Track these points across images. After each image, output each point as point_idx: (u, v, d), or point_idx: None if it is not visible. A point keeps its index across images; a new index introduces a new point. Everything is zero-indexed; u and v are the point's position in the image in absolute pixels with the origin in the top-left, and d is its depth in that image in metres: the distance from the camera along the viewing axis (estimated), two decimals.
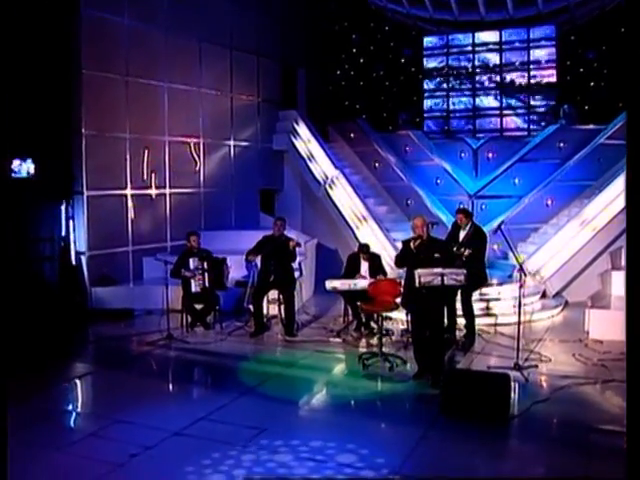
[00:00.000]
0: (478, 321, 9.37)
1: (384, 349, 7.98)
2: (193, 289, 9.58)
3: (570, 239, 11.27)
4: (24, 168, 9.57)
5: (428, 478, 5.02)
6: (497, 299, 10.26)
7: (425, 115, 15.63)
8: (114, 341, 9.21)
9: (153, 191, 12.07)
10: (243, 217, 14.13)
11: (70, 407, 6.87)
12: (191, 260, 9.65)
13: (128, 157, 11.54)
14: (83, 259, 10.93)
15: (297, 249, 9.63)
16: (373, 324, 9.26)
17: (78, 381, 7.61)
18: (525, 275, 7.89)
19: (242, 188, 14.10)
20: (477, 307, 9.77)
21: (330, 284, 9.16)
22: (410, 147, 14.36)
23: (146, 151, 11.82)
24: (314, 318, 10.42)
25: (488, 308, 10.14)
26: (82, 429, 6.18)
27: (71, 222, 10.60)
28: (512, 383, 6.18)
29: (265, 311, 9.89)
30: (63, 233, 10.52)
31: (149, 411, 6.33)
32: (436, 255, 6.95)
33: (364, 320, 9.38)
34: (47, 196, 10.13)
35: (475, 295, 9.56)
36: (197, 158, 13.04)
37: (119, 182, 11.44)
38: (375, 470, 5.07)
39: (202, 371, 8.21)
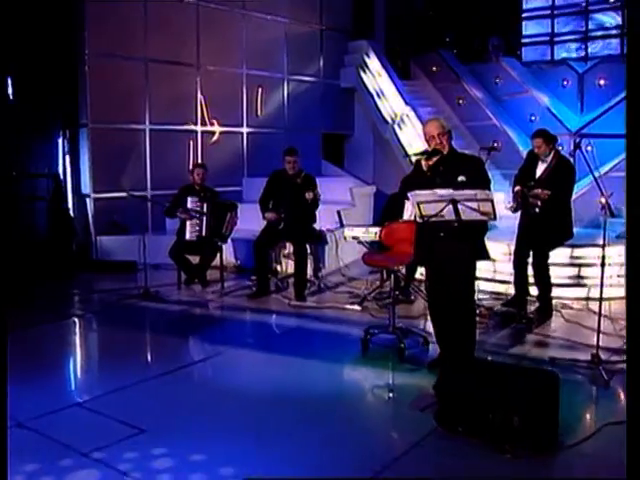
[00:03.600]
0: (564, 292, 6.82)
1: (403, 322, 5.64)
2: (187, 236, 7.67)
3: None
4: None
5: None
6: (593, 264, 7.49)
7: (523, 41, 12.70)
8: (77, 295, 7.58)
9: (179, 127, 10.24)
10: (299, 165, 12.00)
11: None
12: (189, 199, 7.73)
13: (147, 86, 9.77)
14: (88, 203, 9.35)
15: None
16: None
17: None
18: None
19: (299, 131, 11.95)
20: (565, 273, 7.18)
21: (350, 233, 6.91)
22: (501, 78, 11.72)
23: (169, 80, 9.98)
24: (348, 281, 8.18)
25: (580, 277, 7.42)
26: None
27: (68, 158, 8.98)
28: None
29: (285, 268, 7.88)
30: (60, 170, 8.92)
31: (25, 383, 4.45)
32: (461, 178, 4.47)
33: (402, 283, 7.06)
34: (36, 126, 8.53)
35: (562, 256, 6.96)
36: (241, 92, 11.05)
37: (133, 115, 9.70)
38: None
39: (144, 339, 6.19)
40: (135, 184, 9.74)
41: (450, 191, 4.13)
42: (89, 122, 9.16)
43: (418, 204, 4.15)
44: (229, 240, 8.54)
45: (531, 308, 6.41)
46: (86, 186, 9.31)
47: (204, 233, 7.59)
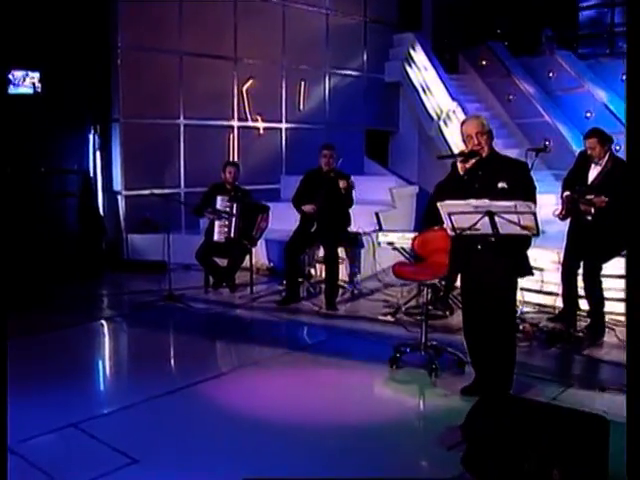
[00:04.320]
0: (618, 307, 6.17)
1: (439, 337, 5.15)
2: (215, 237, 7.31)
3: None
4: (28, 82, 7.77)
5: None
6: None
7: (580, 33, 11.98)
8: (98, 298, 7.35)
9: (215, 122, 9.91)
10: (341, 163, 11.54)
11: None
12: (219, 198, 7.36)
13: (182, 79, 9.47)
14: (119, 200, 9.11)
15: (354, 191, 7.03)
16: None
17: None
18: None
19: (341, 128, 11.50)
20: (620, 286, 6.55)
21: (385, 238, 6.44)
22: (555, 72, 11.09)
23: (205, 74, 9.66)
24: (384, 287, 7.70)
25: None
26: None
27: (99, 154, 8.75)
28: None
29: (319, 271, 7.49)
30: (91, 167, 8.69)
31: (25, 396, 4.13)
32: (501, 185, 3.97)
33: (441, 293, 6.56)
34: (67, 121, 8.31)
35: (616, 267, 6.35)
36: (280, 87, 10.67)
37: (167, 109, 9.41)
38: None
39: (157, 350, 5.67)
40: (168, 181, 9.50)
41: (486, 202, 3.64)
42: (121, 117, 8.92)
43: (449, 215, 3.67)
44: (262, 241, 8.19)
45: (581, 324, 5.84)
46: (117, 183, 9.08)
47: (233, 235, 7.23)
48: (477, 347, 4.26)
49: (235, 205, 7.29)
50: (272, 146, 10.74)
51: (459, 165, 4.07)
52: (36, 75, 7.82)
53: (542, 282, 6.80)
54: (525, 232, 3.64)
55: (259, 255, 8.61)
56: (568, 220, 5.84)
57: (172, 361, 5.34)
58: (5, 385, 3.06)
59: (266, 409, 4.13)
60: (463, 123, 4.23)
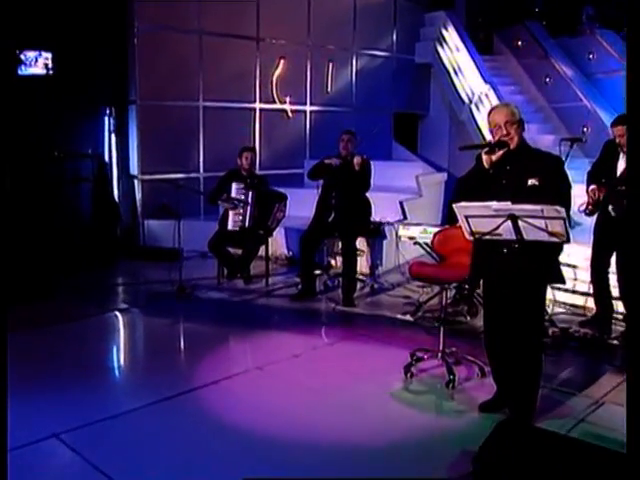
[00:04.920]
0: None
1: (461, 341, 4.76)
2: (230, 226, 6.98)
3: None
4: (40, 63, 7.50)
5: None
6: None
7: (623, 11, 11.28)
8: (106, 288, 7.02)
9: (236, 105, 9.56)
10: (367, 147, 11.07)
11: None
12: (234, 185, 7.03)
13: (201, 60, 9.12)
14: (136, 185, 8.84)
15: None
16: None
17: None
18: None
19: (368, 111, 11.08)
20: None
21: (405, 232, 6.04)
22: (595, 54, 10.46)
23: (226, 54, 9.30)
24: (407, 281, 7.31)
25: None
26: None
27: (114, 137, 8.47)
28: None
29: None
30: (106, 150, 8.43)
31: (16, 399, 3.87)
32: (531, 182, 3.54)
33: (465, 291, 6.15)
34: (81, 103, 8.04)
35: None
36: (305, 68, 10.25)
37: (186, 91, 9.08)
38: None
39: (157, 350, 5.29)
40: (187, 165, 9.21)
41: (508, 204, 3.21)
42: (138, 99, 8.62)
43: (466, 218, 3.26)
44: (281, 229, 7.86)
45: (618, 329, 5.39)
46: (134, 167, 8.81)
47: (247, 224, 6.90)
48: (499, 359, 3.86)
49: (250, 193, 6.95)
50: (296, 130, 10.37)
51: (484, 157, 3.64)
52: (49, 55, 7.54)
53: (575, 280, 6.34)
54: (553, 239, 3.21)
55: (278, 244, 8.29)
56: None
57: (169, 364, 4.87)
58: (5, 385, 2.94)
59: (262, 421, 3.81)
60: (491, 112, 3.77)
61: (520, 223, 3.19)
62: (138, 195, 8.84)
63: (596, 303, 5.55)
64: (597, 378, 4.47)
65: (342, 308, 6.24)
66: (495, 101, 9.77)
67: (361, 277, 7.03)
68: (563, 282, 3.76)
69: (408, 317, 5.82)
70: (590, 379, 4.47)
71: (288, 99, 10.03)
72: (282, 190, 7.50)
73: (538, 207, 3.15)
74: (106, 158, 8.48)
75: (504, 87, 10.49)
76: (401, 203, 8.06)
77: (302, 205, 7.52)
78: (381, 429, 3.70)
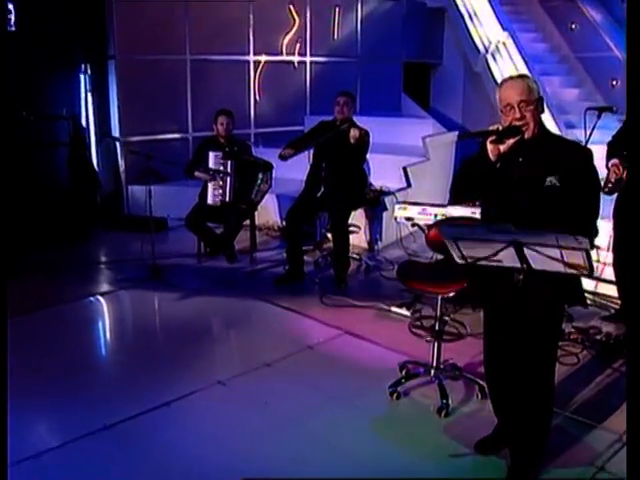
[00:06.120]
0: None
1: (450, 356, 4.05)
2: (209, 200, 6.26)
3: None
4: None
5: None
6: None
7: None
8: (75, 267, 6.33)
9: (227, 57, 8.72)
10: (375, 100, 10.22)
11: None
12: (211, 154, 6.27)
13: (187, 9, 8.25)
14: (118, 147, 8.14)
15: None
16: None
17: None
18: None
19: (375, 61, 10.19)
20: None
21: (402, 212, 5.30)
22: None
23: (214, 2, 8.41)
24: (408, 257, 6.58)
25: None
26: None
27: (90, 96, 7.72)
28: None
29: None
30: (83, 112, 7.69)
31: None
32: (550, 180, 2.76)
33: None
34: (51, 59, 7.25)
35: None
36: (295, 15, 9.32)
37: (171, 43, 8.24)
38: None
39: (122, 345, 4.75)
40: (174, 125, 8.47)
41: (509, 227, 2.43)
42: (117, 53, 7.84)
43: (455, 241, 2.50)
44: (272, 195, 7.15)
45: None
46: (115, 128, 8.09)
47: (228, 198, 6.18)
48: (501, 389, 3.17)
49: (230, 162, 6.19)
50: (295, 83, 9.53)
51: (489, 147, 2.84)
52: (10, 8, 6.72)
53: (597, 263, 5.55)
54: (570, 271, 2.44)
55: (269, 213, 7.59)
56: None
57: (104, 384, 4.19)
58: (5, 388, 2.79)
59: (215, 452, 3.19)
60: (501, 85, 2.93)
61: (526, 250, 2.43)
62: (120, 159, 8.14)
63: (620, 295, 4.81)
64: (623, 400, 3.74)
65: (330, 299, 5.48)
66: (514, 51, 8.87)
67: (355, 255, 6.33)
68: (585, 305, 3.00)
69: (404, 311, 5.11)
70: (614, 401, 3.73)
71: (297, 47, 9.20)
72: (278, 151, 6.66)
73: (551, 235, 2.36)
74: (83, 119, 7.73)
75: (523, 34, 9.59)
76: (405, 169, 7.26)
77: (298, 167, 6.71)
78: (349, 471, 3.03)
